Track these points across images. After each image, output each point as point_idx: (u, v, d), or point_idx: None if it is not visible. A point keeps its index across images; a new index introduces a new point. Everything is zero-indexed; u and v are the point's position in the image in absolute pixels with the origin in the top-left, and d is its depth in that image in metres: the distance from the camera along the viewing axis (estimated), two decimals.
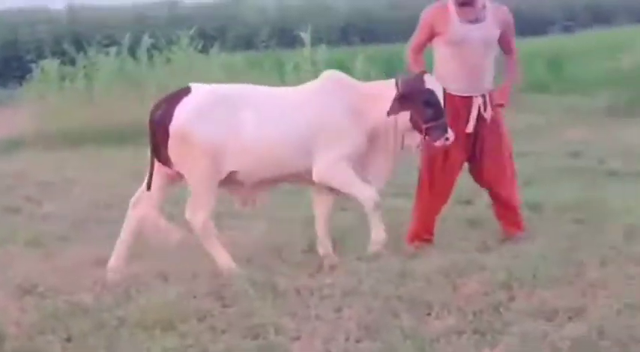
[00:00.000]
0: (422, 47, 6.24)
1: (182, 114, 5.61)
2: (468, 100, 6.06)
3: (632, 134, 10.60)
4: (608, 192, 7.00)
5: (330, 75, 6.07)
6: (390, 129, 5.88)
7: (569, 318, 4.58)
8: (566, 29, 27.55)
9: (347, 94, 5.92)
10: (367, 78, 16.04)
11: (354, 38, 26.04)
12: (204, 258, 5.88)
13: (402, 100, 5.74)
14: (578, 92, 14.05)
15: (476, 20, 6.04)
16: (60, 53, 19.90)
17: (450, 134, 5.74)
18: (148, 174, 5.82)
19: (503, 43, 6.20)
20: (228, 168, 5.75)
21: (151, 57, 17.14)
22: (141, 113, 13.11)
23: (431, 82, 5.82)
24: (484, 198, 6.97)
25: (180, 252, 6.12)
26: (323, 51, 16.57)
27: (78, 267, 6.01)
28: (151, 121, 5.80)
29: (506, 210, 6.23)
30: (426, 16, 6.16)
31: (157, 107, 5.81)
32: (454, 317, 4.72)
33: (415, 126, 5.79)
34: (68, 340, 4.67)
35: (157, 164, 5.80)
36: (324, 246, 6.04)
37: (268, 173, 5.87)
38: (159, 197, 5.90)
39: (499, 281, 5.15)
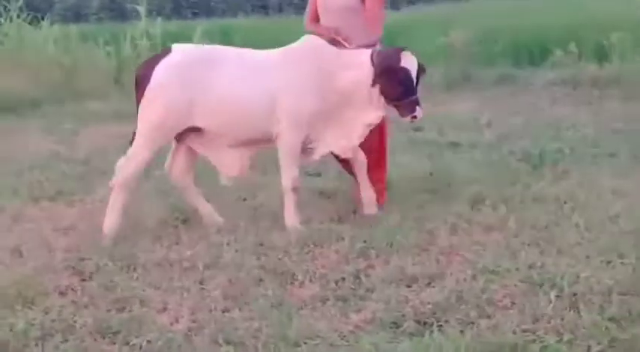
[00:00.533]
0: (315, 16, 6.36)
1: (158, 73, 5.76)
2: None
3: (467, 107, 11.05)
4: (452, 163, 7.27)
5: (306, 39, 6.08)
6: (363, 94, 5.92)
7: (428, 284, 4.76)
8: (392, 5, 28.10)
9: (319, 58, 5.94)
10: None
11: (186, 12, 25.85)
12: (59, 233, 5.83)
13: (376, 74, 5.81)
14: None
15: None
16: None
17: (419, 112, 5.84)
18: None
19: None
20: (191, 122, 5.82)
21: None
22: None
23: (407, 59, 5.87)
24: (332, 170, 7.16)
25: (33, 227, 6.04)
26: (159, 24, 16.38)
27: None
28: (135, 79, 5.92)
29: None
30: None
31: (140, 67, 6.03)
32: (317, 286, 4.84)
33: (386, 100, 5.88)
34: None
35: None
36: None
37: (238, 133, 5.92)
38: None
39: (357, 250, 5.29)
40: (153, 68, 5.79)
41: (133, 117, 10.87)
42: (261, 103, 5.81)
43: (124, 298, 4.73)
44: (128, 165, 5.83)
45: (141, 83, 5.82)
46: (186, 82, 5.74)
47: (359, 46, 5.98)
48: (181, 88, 5.73)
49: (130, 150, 5.86)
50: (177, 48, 5.92)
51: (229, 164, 6.06)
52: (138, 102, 5.85)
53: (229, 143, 5.96)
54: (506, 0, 17.67)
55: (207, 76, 5.77)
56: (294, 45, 6.04)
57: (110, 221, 5.83)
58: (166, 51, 5.93)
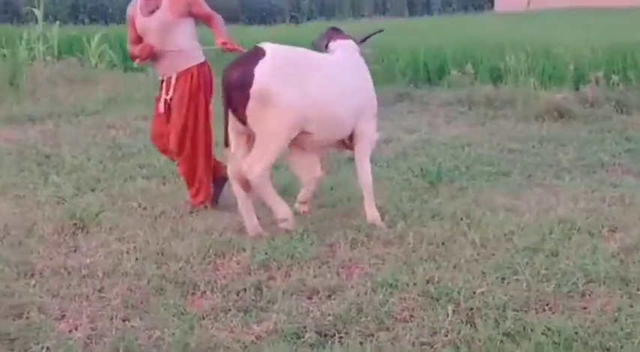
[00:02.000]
0: (136, 40, 6.71)
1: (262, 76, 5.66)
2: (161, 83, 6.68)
3: None
4: (352, 178, 7.38)
5: (345, 44, 6.36)
6: None
7: (329, 296, 4.82)
8: (293, 20, 28.29)
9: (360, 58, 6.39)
10: (103, 58, 15.88)
11: (83, 17, 25.44)
12: None
13: None
14: None
15: (153, 11, 6.54)
16: None
17: None
18: (223, 132, 5.89)
19: (199, 17, 6.61)
20: (302, 127, 5.83)
21: None
22: None
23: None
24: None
25: None
26: (56, 28, 16.11)
27: None
28: (229, 83, 5.73)
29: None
30: (129, 11, 6.78)
31: (232, 69, 5.78)
32: (219, 296, 4.84)
33: None
34: None
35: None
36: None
37: (335, 134, 6.11)
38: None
39: (258, 262, 5.32)
40: (250, 70, 5.64)
41: (27, 121, 10.86)
42: (351, 104, 6.03)
43: (20, 304, 4.67)
44: (258, 167, 5.75)
45: (237, 85, 5.67)
46: (297, 84, 5.73)
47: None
48: (295, 91, 5.71)
49: (258, 154, 5.75)
50: (270, 48, 5.80)
51: (312, 165, 6.32)
52: (237, 104, 5.71)
53: (322, 144, 6.19)
54: (406, 19, 17.98)
55: (308, 78, 5.82)
56: (343, 50, 6.31)
57: (252, 222, 5.94)
58: (257, 51, 5.78)
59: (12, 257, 5.37)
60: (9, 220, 6.29)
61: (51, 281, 5.06)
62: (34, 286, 4.95)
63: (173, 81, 6.56)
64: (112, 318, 4.52)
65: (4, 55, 15.20)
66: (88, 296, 4.81)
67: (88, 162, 8.56)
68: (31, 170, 8.15)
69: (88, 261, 5.36)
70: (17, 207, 6.72)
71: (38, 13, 16.17)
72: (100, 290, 4.92)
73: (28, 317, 4.50)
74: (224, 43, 6.46)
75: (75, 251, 5.67)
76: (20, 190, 7.30)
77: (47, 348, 4.10)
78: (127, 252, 5.51)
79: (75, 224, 6.11)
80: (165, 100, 6.61)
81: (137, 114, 11.69)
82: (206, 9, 6.60)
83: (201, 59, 6.63)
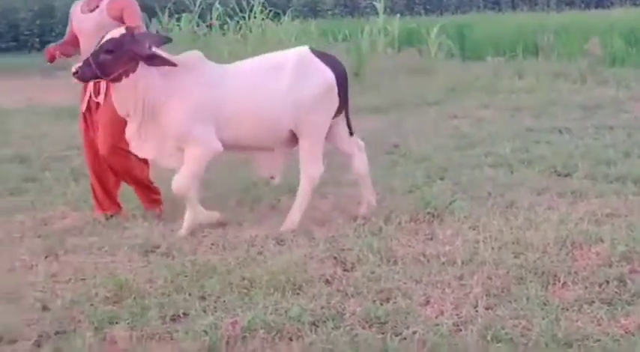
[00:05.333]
0: (71, 38, 6.70)
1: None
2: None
3: None
4: None
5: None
6: None
7: None
8: None
9: None
10: (441, 48, 16.16)
11: (418, 8, 25.98)
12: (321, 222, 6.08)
13: None
14: None
15: (93, 10, 6.49)
16: None
17: None
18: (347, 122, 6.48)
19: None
20: None
21: (222, 24, 17.30)
22: None
23: None
24: None
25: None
26: (396, 21, 16.58)
27: (195, 229, 6.15)
28: (345, 76, 6.39)
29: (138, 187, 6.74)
30: (72, 8, 6.75)
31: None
32: (581, 287, 4.77)
33: None
34: (203, 298, 4.80)
35: None
36: None
37: None
38: None
39: (619, 253, 5.18)
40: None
41: (373, 112, 11.28)
42: None
43: (387, 289, 4.85)
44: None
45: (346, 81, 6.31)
46: None
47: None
48: None
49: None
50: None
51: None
52: (347, 100, 6.32)
53: None
54: None
55: None
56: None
57: (294, 217, 6.22)
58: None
59: (374, 243, 5.60)
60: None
61: (412, 267, 5.22)
62: (397, 272, 5.13)
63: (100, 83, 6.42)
64: (475, 306, 4.58)
65: (347, 49, 15.87)
66: (449, 284, 4.92)
67: (434, 151, 8.75)
68: (381, 159, 8.47)
69: (446, 248, 5.47)
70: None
71: (379, 6, 16.73)
72: (460, 278, 5.00)
73: (395, 302, 4.67)
74: None
75: (431, 239, 5.81)
76: (373, 178, 7.57)
77: (416, 332, 4.24)
78: (483, 241, 5.56)
79: (429, 212, 6.27)
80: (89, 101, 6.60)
81: (477, 103, 11.81)
82: (136, 20, 6.37)
83: None
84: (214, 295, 4.82)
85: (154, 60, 5.86)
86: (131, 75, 5.87)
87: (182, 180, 6.02)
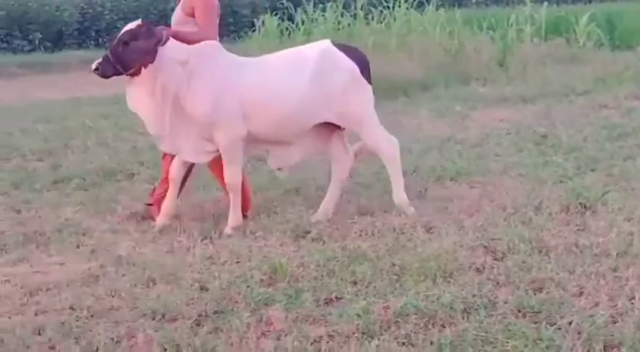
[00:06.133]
0: None
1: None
2: None
3: None
4: None
5: None
6: None
7: None
8: None
9: None
10: (590, 37, 15.80)
11: None
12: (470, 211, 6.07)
13: None
14: None
15: (177, 4, 6.46)
16: (275, 9, 20.50)
17: None
18: None
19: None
20: None
21: (367, 13, 17.36)
22: None
23: None
24: None
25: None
26: (544, 9, 16.29)
27: (343, 216, 6.24)
28: (367, 67, 6.34)
29: None
30: None
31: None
32: None
33: None
34: (354, 283, 4.88)
35: None
36: None
37: None
38: None
39: None
40: None
41: (519, 102, 11.18)
42: None
43: (539, 279, 4.80)
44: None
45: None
46: None
47: None
48: None
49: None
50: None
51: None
52: None
53: None
54: None
55: None
56: None
57: (399, 187, 6.40)
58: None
59: (524, 232, 5.55)
60: (516, 197, 6.51)
61: (565, 258, 5.14)
62: (549, 262, 5.07)
63: None
64: (631, 298, 4.48)
65: (493, 38, 15.70)
66: (604, 275, 4.83)
67: (584, 141, 8.61)
68: (529, 149, 8.38)
69: (599, 240, 5.37)
70: (521, 185, 6.94)
71: None
72: (614, 270, 4.90)
73: (548, 292, 4.63)
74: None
75: (583, 230, 5.71)
76: (521, 169, 7.53)
77: (572, 323, 4.19)
78: (639, 233, 5.44)
79: (581, 203, 6.16)
80: None
81: (628, 93, 11.51)
82: (204, 18, 6.23)
83: None
84: (365, 280, 4.88)
85: (169, 40, 5.92)
86: (150, 66, 5.91)
87: (229, 173, 6.12)
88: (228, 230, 6.07)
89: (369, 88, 6.30)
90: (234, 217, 6.14)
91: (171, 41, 5.92)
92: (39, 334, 4.33)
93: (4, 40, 21.84)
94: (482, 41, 15.38)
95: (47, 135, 10.11)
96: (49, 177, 7.88)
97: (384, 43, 15.23)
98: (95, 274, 5.21)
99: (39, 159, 8.81)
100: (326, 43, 6.32)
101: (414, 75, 13.12)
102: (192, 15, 6.24)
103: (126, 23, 6.19)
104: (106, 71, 5.88)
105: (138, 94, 6.03)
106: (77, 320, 4.48)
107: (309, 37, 16.09)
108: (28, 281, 5.14)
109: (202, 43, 6.08)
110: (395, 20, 16.50)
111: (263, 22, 17.98)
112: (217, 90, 5.99)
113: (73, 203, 6.94)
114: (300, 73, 6.11)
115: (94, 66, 5.89)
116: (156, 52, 5.87)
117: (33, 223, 6.39)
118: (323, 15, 17.63)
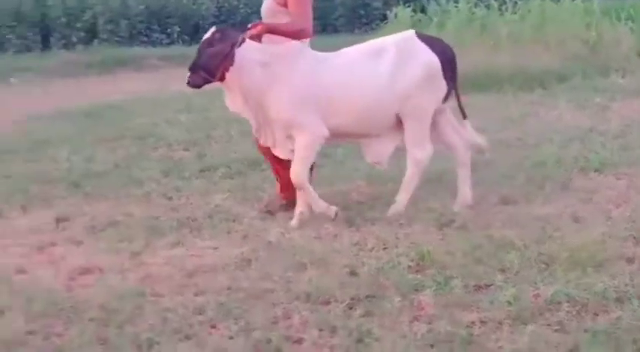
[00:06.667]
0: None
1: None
2: None
3: None
4: None
5: None
6: None
7: None
8: None
9: None
10: None
11: None
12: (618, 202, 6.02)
13: None
14: None
15: None
16: (407, 0, 20.51)
17: None
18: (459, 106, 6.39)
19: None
20: None
21: (501, 4, 17.17)
22: (492, 60, 13.32)
23: None
24: None
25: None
26: None
27: (486, 205, 6.26)
28: (453, 61, 6.28)
29: None
30: None
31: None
32: None
33: None
34: (502, 271, 4.92)
35: None
36: None
37: None
38: None
39: None
40: None
41: None
42: None
43: None
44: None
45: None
46: None
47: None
48: None
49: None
50: None
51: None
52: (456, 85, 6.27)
53: None
54: None
55: None
56: None
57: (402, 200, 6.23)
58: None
59: None
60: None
61: None
62: None
63: None
64: None
65: (632, 29, 15.32)
66: None
67: None
68: None
69: None
70: None
71: None
72: None
73: None
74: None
75: None
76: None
77: None
78: None
79: None
80: None
81: None
82: (297, 6, 6.08)
83: None
84: (513, 269, 4.92)
85: (245, 41, 5.94)
86: (231, 68, 5.93)
87: (297, 169, 6.09)
88: (294, 222, 6.15)
89: (445, 87, 6.18)
90: (316, 208, 6.17)
91: (249, 42, 5.99)
92: (200, 314, 4.53)
93: (144, 33, 22.50)
94: (621, 32, 15.01)
95: (189, 125, 10.40)
96: (196, 166, 8.13)
97: (519, 34, 15.03)
98: (247, 258, 5.39)
99: (185, 149, 9.08)
100: (409, 34, 6.29)
101: (550, 66, 12.93)
102: (285, 5, 6.22)
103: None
104: (196, 81, 6.01)
105: (230, 97, 6.15)
106: (235, 302, 4.66)
107: (442, 29, 16.03)
108: (185, 264, 5.35)
109: (286, 44, 6.11)
110: (529, 11, 16.26)
111: (395, 14, 17.99)
112: (296, 95, 6.02)
113: (221, 190, 7.13)
114: (380, 64, 6.10)
115: (186, 80, 6.05)
116: (234, 54, 5.95)
117: (185, 209, 6.62)
118: (456, 6, 17.52)
